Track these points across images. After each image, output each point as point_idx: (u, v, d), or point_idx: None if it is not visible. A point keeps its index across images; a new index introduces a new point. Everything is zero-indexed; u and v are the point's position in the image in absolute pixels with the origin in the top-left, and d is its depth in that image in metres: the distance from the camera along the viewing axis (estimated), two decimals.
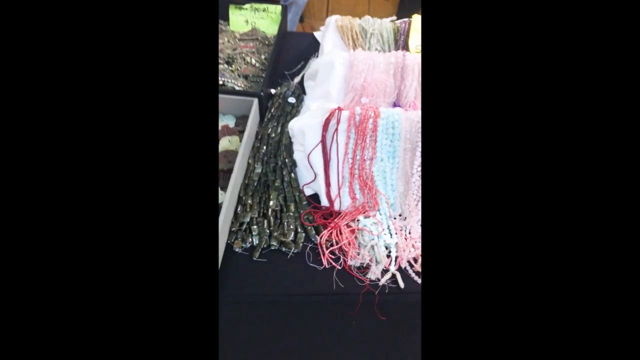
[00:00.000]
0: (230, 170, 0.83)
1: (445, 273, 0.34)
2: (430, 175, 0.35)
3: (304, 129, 0.79)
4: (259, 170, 0.85)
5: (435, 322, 0.33)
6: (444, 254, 0.34)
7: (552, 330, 0.30)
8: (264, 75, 1.06)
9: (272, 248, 0.73)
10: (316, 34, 1.30)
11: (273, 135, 0.93)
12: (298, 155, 0.84)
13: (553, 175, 0.32)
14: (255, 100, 0.92)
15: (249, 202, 0.79)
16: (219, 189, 0.80)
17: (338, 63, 0.88)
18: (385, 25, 1.01)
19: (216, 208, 0.71)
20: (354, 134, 0.77)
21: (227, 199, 0.72)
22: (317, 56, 1.09)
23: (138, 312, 0.33)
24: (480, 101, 0.34)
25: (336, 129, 0.77)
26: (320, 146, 0.78)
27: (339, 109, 0.77)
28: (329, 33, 1.04)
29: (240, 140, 0.90)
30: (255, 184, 0.83)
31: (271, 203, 0.79)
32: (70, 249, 0.31)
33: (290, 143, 0.91)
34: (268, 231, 0.75)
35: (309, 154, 0.79)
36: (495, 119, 0.33)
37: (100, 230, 0.32)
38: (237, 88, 1.00)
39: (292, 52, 1.23)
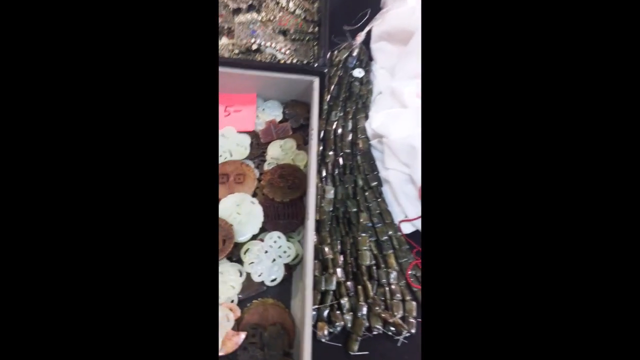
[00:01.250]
0: (294, 202, 0.55)
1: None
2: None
3: (414, 144, 0.50)
4: (331, 194, 0.57)
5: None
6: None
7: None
8: (312, 30, 0.72)
9: (375, 332, 0.49)
10: None
11: (340, 131, 0.64)
12: (393, 175, 0.56)
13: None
14: (316, 81, 0.61)
15: (329, 253, 0.52)
16: (283, 237, 0.52)
17: None
18: None
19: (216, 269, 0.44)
20: None
21: (309, 257, 0.45)
22: (384, 5, 0.74)
23: None
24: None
25: None
26: None
27: None
28: None
29: (299, 147, 0.60)
30: (331, 220, 0.56)
31: (360, 253, 0.53)
32: None
33: (369, 146, 0.62)
34: (365, 304, 0.50)
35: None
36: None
37: None
38: (279, 56, 0.67)
39: None
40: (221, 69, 0.60)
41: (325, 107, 0.66)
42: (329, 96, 0.67)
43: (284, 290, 0.50)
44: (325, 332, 0.48)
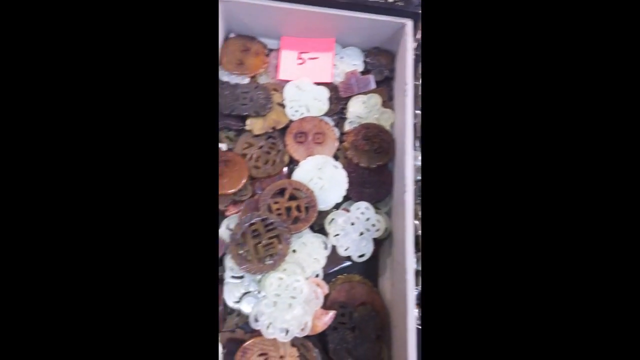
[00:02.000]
0: (381, 169, 0.48)
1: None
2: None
3: None
4: (418, 161, 0.51)
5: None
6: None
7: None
8: None
9: None
10: None
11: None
12: None
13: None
14: (409, 25, 0.51)
15: (419, 228, 0.47)
16: (372, 208, 0.46)
17: None
18: None
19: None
20: None
21: (409, 235, 0.40)
22: None
23: None
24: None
25: None
26: None
27: None
28: None
29: (384, 103, 0.53)
30: (420, 190, 0.50)
31: None
32: None
33: None
34: None
35: None
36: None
37: None
38: None
39: None
40: (294, 7, 0.52)
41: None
42: (415, 44, 0.58)
43: (370, 266, 0.46)
44: (416, 315, 0.44)
